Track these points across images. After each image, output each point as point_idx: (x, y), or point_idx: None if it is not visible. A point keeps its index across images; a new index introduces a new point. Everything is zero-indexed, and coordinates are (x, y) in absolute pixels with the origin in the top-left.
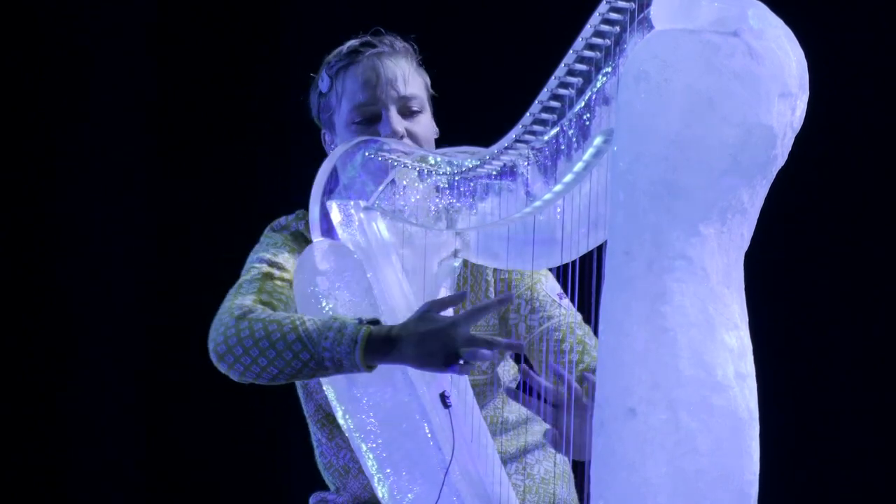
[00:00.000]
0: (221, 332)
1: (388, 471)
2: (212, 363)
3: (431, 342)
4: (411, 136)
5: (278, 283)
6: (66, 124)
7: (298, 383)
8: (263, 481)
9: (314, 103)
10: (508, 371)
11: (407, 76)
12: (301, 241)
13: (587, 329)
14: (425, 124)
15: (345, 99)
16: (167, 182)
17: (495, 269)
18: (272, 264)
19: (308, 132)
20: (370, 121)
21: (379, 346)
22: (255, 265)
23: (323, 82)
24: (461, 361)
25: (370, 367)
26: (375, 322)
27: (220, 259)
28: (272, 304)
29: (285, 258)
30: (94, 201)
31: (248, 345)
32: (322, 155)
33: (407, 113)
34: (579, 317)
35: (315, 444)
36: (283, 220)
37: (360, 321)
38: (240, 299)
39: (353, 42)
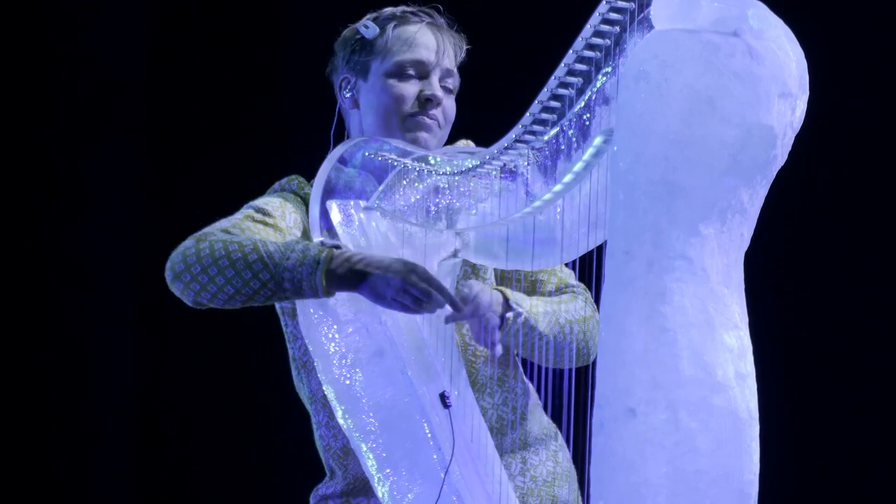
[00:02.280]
0: (180, 252)
1: (388, 471)
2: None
3: (389, 271)
4: (443, 109)
5: (259, 226)
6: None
7: (296, 364)
8: (263, 481)
9: (345, 46)
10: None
11: (455, 56)
12: (296, 196)
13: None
14: (453, 106)
15: (396, 49)
16: (166, 183)
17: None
18: (258, 210)
19: (308, 132)
20: (413, 78)
21: (340, 268)
22: (243, 209)
23: (369, 28)
24: (409, 296)
25: (329, 293)
26: (338, 246)
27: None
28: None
29: (275, 206)
30: (92, 204)
31: (206, 263)
32: (322, 154)
33: (444, 88)
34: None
35: (315, 426)
36: (277, 185)
37: (323, 243)
38: (209, 227)
39: (403, 6)
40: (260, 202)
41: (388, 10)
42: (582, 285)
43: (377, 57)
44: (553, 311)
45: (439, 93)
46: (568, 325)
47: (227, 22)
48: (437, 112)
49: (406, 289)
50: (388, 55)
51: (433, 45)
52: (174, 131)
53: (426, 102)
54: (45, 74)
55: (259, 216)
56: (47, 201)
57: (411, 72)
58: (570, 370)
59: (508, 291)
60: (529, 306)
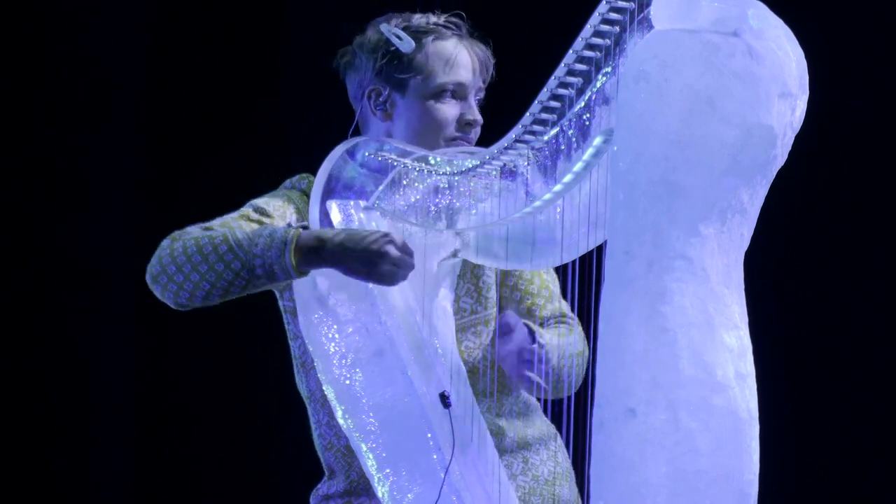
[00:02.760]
0: (156, 255)
1: (388, 471)
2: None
3: (360, 242)
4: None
5: (254, 224)
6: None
7: (296, 362)
8: (263, 481)
9: (374, 52)
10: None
11: (487, 72)
12: (303, 198)
13: (553, 275)
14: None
15: (437, 70)
16: (166, 183)
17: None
18: (256, 209)
19: (308, 132)
20: (452, 99)
21: (309, 245)
22: (242, 208)
23: (403, 41)
24: (386, 266)
25: (302, 273)
26: (306, 227)
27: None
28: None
29: (276, 206)
30: (92, 204)
31: (180, 262)
32: (322, 154)
33: (477, 102)
34: (553, 274)
35: (314, 425)
36: (287, 182)
37: (290, 225)
38: (189, 226)
39: (434, 17)
40: (262, 200)
41: (418, 19)
42: (575, 318)
43: (416, 75)
44: (560, 346)
45: (479, 116)
46: (569, 358)
47: (227, 22)
48: (475, 133)
49: (381, 255)
50: (430, 76)
51: (470, 64)
52: (174, 131)
53: (467, 126)
54: (45, 74)
55: (256, 215)
56: (47, 201)
57: (451, 93)
58: (534, 318)
59: (532, 324)
60: (547, 340)
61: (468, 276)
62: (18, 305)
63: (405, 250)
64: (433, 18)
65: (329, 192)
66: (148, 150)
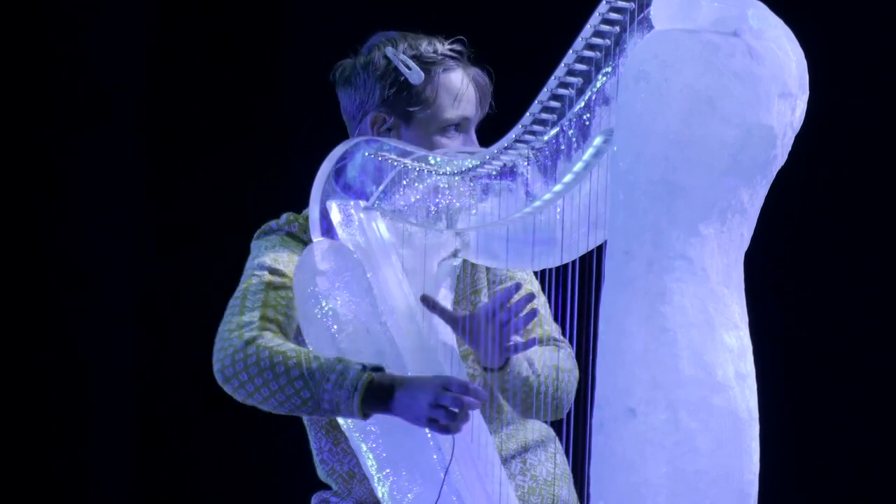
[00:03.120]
0: (230, 355)
1: (388, 471)
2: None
3: (417, 392)
4: None
5: (281, 292)
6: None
7: None
8: (263, 481)
9: (382, 79)
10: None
11: (488, 103)
12: (297, 241)
13: (544, 299)
14: None
15: (444, 104)
16: (166, 183)
17: (488, 271)
18: (273, 271)
19: (308, 132)
20: (456, 132)
21: (377, 395)
22: (255, 273)
23: (413, 71)
24: (442, 411)
25: (366, 415)
26: (379, 369)
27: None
28: (278, 322)
29: (285, 261)
30: (92, 204)
31: (253, 372)
32: (322, 154)
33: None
34: (538, 285)
35: (315, 451)
36: (273, 223)
37: (364, 368)
38: (246, 316)
39: (440, 45)
40: (269, 259)
41: (426, 47)
42: (566, 342)
43: (423, 107)
44: (541, 353)
45: (479, 148)
46: (555, 370)
47: (226, 22)
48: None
49: (438, 403)
50: (438, 111)
51: (474, 98)
52: (174, 131)
53: None
54: (45, 74)
55: (277, 280)
56: (47, 201)
57: (456, 126)
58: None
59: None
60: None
61: (463, 304)
62: (18, 305)
63: (462, 389)
64: (439, 47)
65: (329, 192)
66: (148, 150)
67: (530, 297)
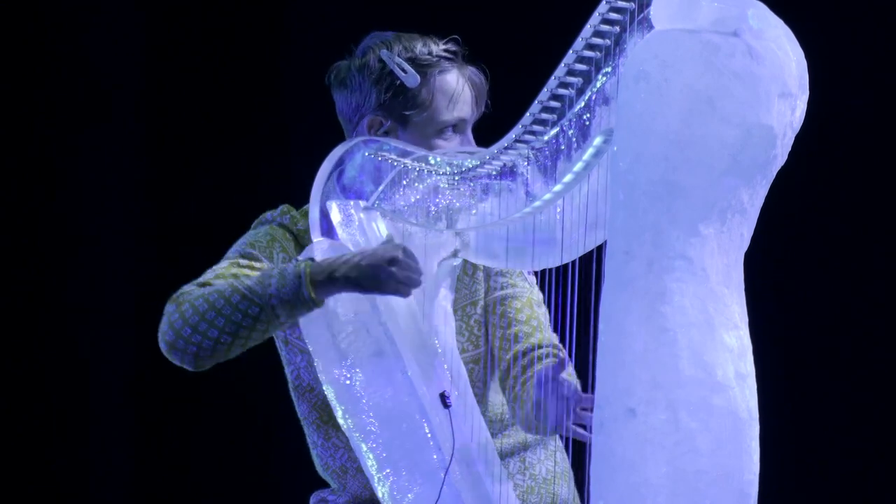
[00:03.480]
0: (165, 321)
1: (388, 471)
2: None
3: (368, 256)
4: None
5: (245, 270)
6: (65, 127)
7: (290, 385)
8: (263, 481)
9: (378, 83)
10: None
11: (483, 101)
12: (285, 231)
13: (545, 310)
14: None
15: (440, 106)
16: (166, 184)
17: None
18: (244, 255)
19: (308, 132)
20: (453, 133)
21: (322, 272)
22: (228, 256)
23: (408, 74)
24: (397, 280)
25: (320, 302)
26: (312, 260)
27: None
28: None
29: (262, 248)
30: (92, 204)
31: (193, 321)
32: (322, 154)
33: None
34: (540, 296)
35: (311, 446)
36: (268, 214)
37: (297, 260)
38: (186, 285)
39: (435, 46)
40: (245, 244)
41: (420, 48)
42: (562, 348)
43: (419, 110)
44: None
45: (476, 148)
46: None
47: (226, 22)
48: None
49: (391, 261)
50: (435, 113)
51: (470, 98)
52: (174, 131)
53: None
54: (45, 74)
55: (245, 261)
56: (47, 201)
57: (453, 128)
58: (518, 341)
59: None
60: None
61: (459, 315)
62: (18, 305)
63: (412, 256)
64: (434, 48)
65: (329, 192)
66: (148, 150)
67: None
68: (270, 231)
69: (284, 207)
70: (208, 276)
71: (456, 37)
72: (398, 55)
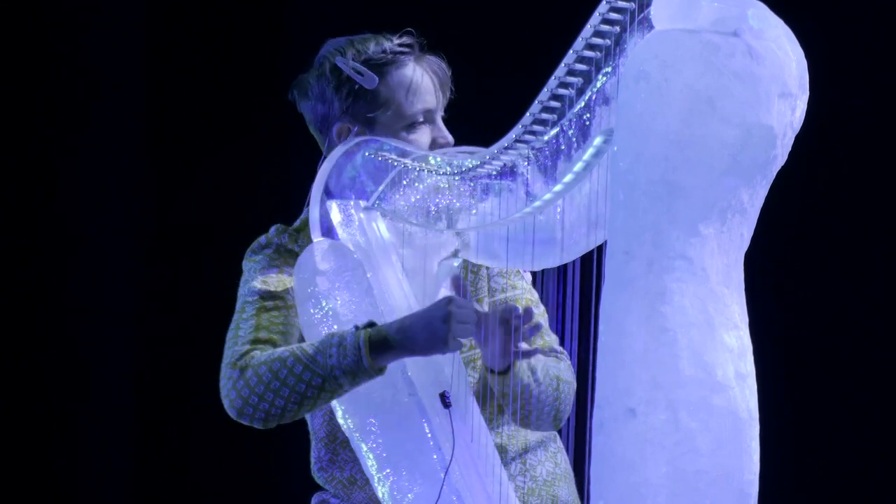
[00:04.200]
0: (231, 388)
1: (388, 471)
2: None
3: (426, 324)
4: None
5: (273, 313)
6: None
7: None
8: (263, 481)
9: (338, 90)
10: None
11: (448, 87)
12: (287, 254)
13: (543, 309)
14: None
15: (402, 100)
16: (166, 185)
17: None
18: (263, 295)
19: (308, 132)
20: (422, 125)
21: (381, 343)
22: (247, 300)
23: (365, 77)
24: (453, 337)
25: (381, 369)
26: (371, 325)
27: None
28: (271, 340)
29: (275, 282)
30: (92, 204)
31: (259, 391)
32: (322, 154)
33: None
34: (536, 295)
35: (314, 460)
36: (262, 239)
37: (356, 328)
38: (240, 346)
39: (388, 43)
40: (258, 283)
41: (373, 48)
42: (565, 352)
43: (383, 109)
44: (544, 363)
45: (450, 137)
46: (556, 380)
47: (226, 22)
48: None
49: (453, 318)
50: (398, 109)
51: (432, 86)
52: (174, 131)
53: (440, 147)
54: (45, 74)
55: (269, 304)
56: (47, 201)
57: (421, 119)
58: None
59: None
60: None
61: (469, 276)
62: (18, 305)
63: (463, 304)
64: (387, 44)
65: (329, 193)
66: (148, 150)
67: (531, 312)
68: (272, 258)
69: (279, 227)
70: (245, 330)
71: (410, 29)
72: (352, 59)
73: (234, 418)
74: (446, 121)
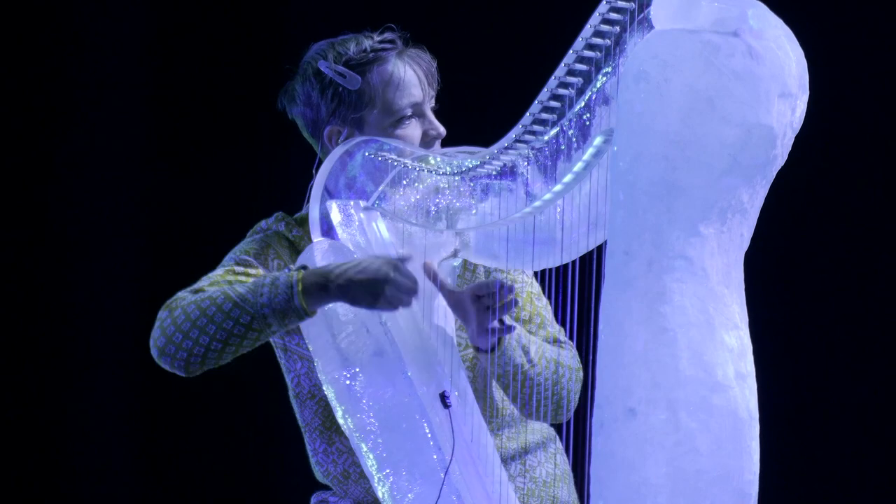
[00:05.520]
0: (157, 327)
1: (388, 471)
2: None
3: (363, 271)
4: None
5: (240, 278)
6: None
7: (290, 393)
8: (263, 481)
9: (322, 94)
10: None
11: (433, 77)
12: (281, 240)
13: (546, 302)
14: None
15: (388, 97)
16: (166, 184)
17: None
18: (239, 262)
19: None
20: (411, 118)
21: (314, 284)
22: (223, 264)
23: (347, 78)
24: (386, 300)
25: (312, 312)
26: (303, 268)
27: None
28: None
29: (257, 254)
30: (92, 204)
31: (185, 328)
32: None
33: (433, 111)
34: (538, 287)
35: (310, 453)
36: (263, 223)
37: (289, 269)
38: (181, 291)
39: (368, 41)
40: (240, 251)
41: (354, 48)
42: (570, 342)
43: (369, 107)
44: (540, 346)
45: (441, 128)
46: (553, 362)
47: (227, 22)
48: (438, 143)
49: (386, 281)
50: (385, 106)
51: (416, 79)
52: (174, 131)
53: (433, 140)
54: (45, 74)
55: (240, 268)
56: (47, 201)
57: (409, 113)
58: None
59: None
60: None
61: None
62: (18, 305)
63: (407, 274)
64: (367, 42)
65: (329, 193)
66: (148, 150)
67: (511, 288)
68: (265, 239)
69: (279, 215)
70: (203, 282)
71: (391, 25)
72: (333, 61)
73: (155, 359)
74: (444, 115)
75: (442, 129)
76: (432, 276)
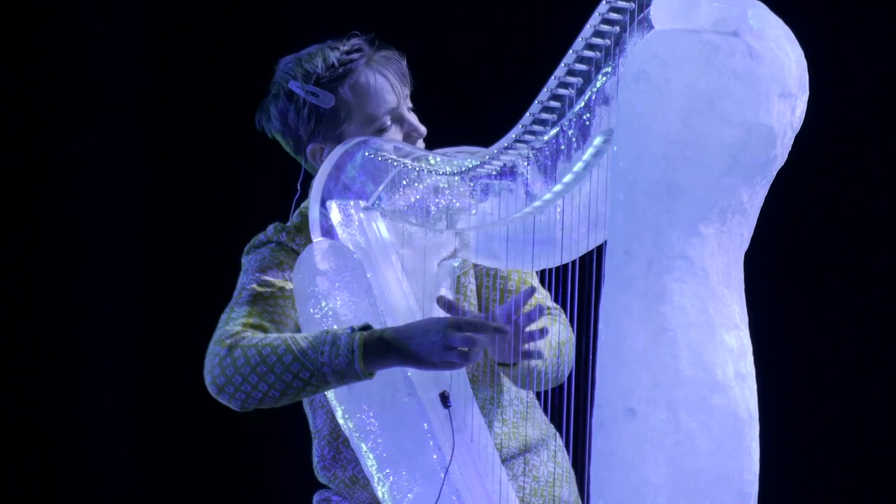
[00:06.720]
0: (217, 364)
1: (388, 471)
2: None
3: (423, 336)
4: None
5: (269, 301)
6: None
7: (304, 399)
8: (263, 481)
9: (298, 115)
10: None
11: (405, 76)
12: (286, 250)
13: (546, 294)
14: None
15: (364, 108)
16: (165, 184)
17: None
18: (261, 283)
19: None
20: (391, 124)
21: (375, 349)
22: (245, 287)
23: (320, 97)
24: (455, 352)
25: (371, 374)
26: (366, 328)
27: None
28: (263, 327)
29: (274, 275)
30: (92, 204)
31: (245, 372)
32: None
33: (410, 111)
34: (536, 279)
35: (317, 458)
36: (262, 236)
37: (352, 329)
38: (229, 326)
39: (335, 54)
40: (257, 273)
41: (322, 65)
42: (558, 307)
43: (346, 122)
44: (547, 339)
45: (422, 127)
46: (558, 347)
47: (227, 22)
48: (421, 142)
49: (448, 345)
50: (362, 118)
51: (388, 85)
52: (174, 131)
53: (415, 141)
54: (45, 74)
55: (266, 291)
56: (47, 201)
57: (388, 122)
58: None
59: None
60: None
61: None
62: (18, 305)
63: (471, 327)
64: (333, 56)
65: (329, 192)
66: (148, 150)
67: (531, 290)
68: (272, 254)
69: (277, 225)
70: (240, 313)
71: (355, 32)
72: (304, 80)
73: (213, 395)
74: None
75: (422, 129)
76: (451, 309)
